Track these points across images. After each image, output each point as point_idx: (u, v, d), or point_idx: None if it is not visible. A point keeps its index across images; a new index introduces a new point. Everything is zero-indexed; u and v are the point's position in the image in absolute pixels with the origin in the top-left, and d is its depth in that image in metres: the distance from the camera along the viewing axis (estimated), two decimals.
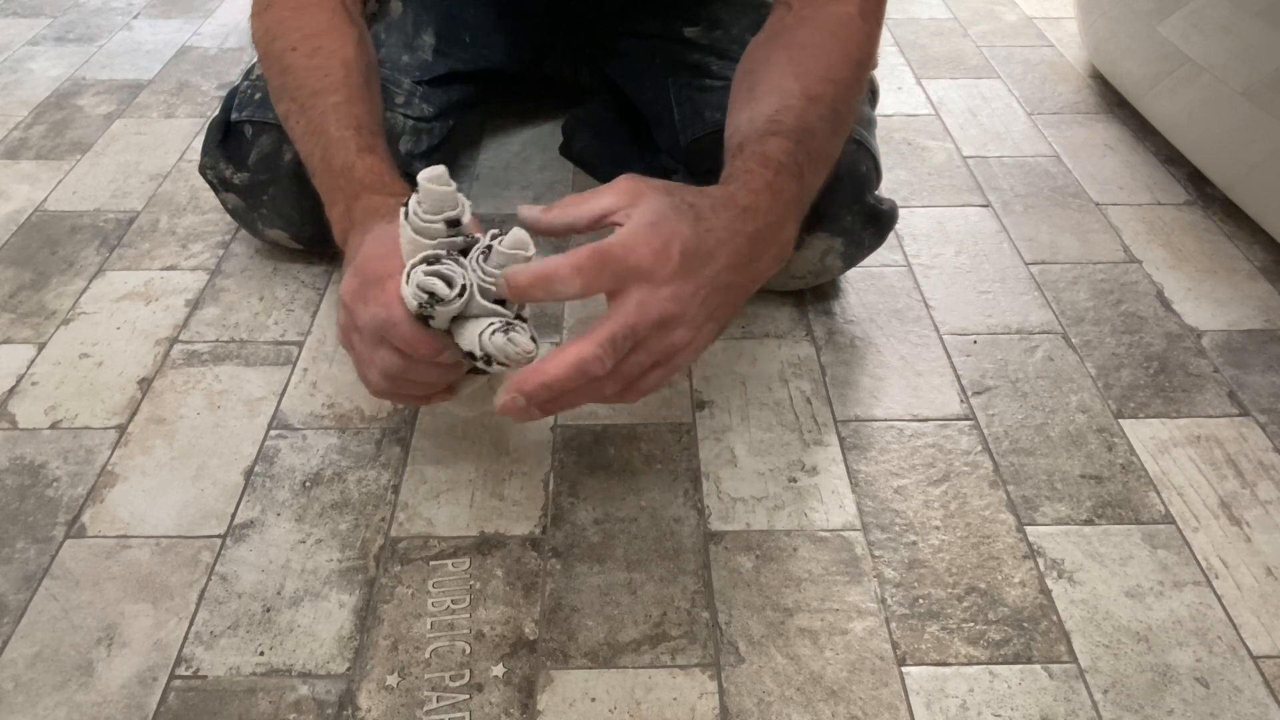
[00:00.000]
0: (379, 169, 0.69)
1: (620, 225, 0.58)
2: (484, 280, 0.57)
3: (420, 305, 0.56)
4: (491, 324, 0.57)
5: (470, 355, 0.57)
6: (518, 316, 0.59)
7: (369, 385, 0.63)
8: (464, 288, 0.56)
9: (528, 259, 0.57)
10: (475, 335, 0.57)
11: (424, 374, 0.60)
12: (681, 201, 0.59)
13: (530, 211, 0.61)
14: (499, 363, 0.57)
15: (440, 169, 0.56)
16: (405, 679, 0.57)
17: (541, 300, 0.57)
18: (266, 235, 0.90)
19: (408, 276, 0.56)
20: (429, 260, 0.56)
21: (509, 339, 0.56)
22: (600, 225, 0.60)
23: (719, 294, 0.59)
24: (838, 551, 0.65)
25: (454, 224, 0.57)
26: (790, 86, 0.69)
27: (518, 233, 0.57)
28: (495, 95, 1.05)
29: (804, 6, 0.73)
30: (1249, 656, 0.59)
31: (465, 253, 0.58)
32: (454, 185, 0.57)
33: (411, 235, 0.57)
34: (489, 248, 0.57)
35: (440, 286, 0.55)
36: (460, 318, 0.58)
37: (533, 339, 0.57)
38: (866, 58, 0.74)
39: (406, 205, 0.57)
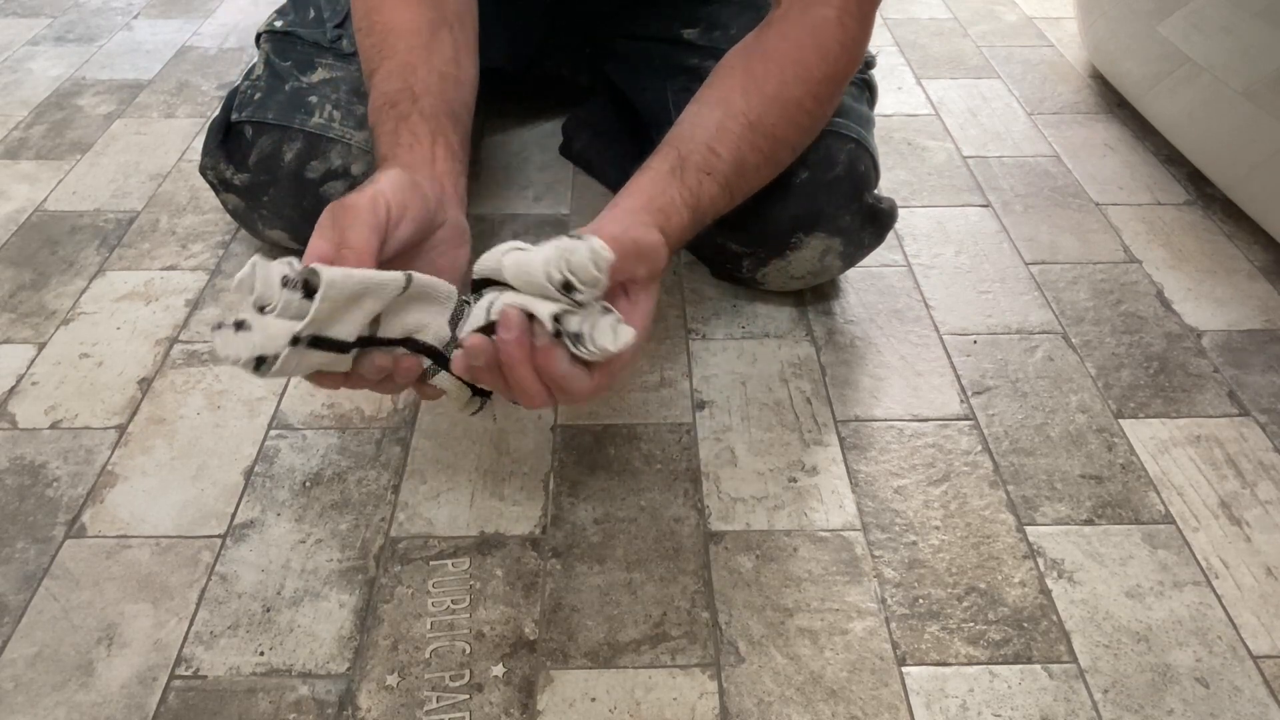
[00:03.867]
0: (398, 158, 0.67)
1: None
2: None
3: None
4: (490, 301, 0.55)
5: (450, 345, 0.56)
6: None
7: None
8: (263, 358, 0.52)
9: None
10: (482, 312, 0.55)
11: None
12: (653, 283, 0.61)
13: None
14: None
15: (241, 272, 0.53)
16: (405, 679, 0.57)
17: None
18: (266, 235, 0.90)
19: None
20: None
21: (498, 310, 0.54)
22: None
23: None
24: (838, 551, 0.65)
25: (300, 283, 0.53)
26: (737, 104, 0.69)
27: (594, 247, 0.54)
28: (495, 95, 1.04)
29: (790, 7, 0.72)
30: (1249, 656, 0.59)
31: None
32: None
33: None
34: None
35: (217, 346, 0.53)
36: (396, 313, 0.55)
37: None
38: (837, 69, 0.73)
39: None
